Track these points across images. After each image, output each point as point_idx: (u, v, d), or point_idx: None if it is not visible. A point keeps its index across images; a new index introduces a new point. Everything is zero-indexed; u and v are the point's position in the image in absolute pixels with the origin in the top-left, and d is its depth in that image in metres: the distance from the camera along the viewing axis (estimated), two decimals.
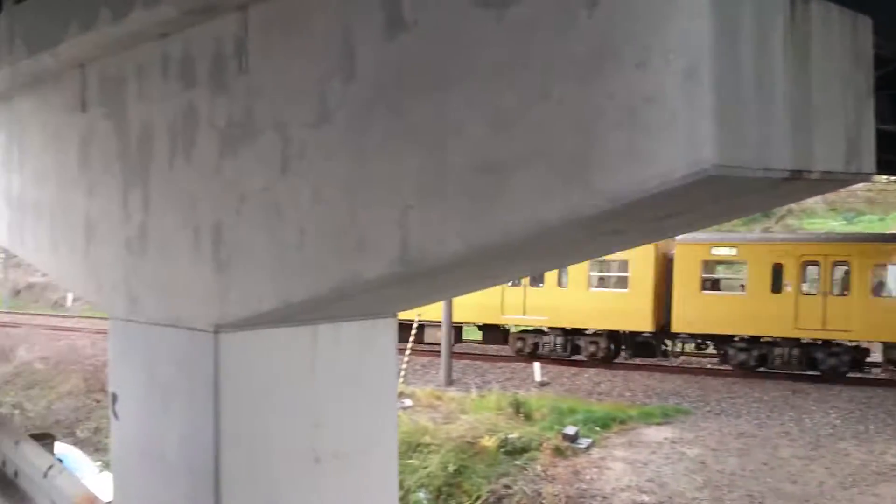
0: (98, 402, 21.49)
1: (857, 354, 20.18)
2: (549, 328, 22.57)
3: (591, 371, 21.73)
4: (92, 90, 6.48)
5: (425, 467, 15.85)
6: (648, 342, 22.36)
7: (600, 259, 20.87)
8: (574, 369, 21.93)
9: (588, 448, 16.28)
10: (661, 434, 16.90)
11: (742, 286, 21.31)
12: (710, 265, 21.83)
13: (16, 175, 7.71)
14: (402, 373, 20.39)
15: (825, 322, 19.21)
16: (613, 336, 22.34)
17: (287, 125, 4.77)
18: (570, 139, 3.45)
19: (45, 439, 4.40)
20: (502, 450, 16.11)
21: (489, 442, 16.17)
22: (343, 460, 5.98)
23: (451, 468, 15.75)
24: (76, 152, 6.72)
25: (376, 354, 6.22)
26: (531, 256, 4.74)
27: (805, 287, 20.08)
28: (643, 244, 4.93)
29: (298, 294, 4.89)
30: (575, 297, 21.83)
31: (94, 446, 19.27)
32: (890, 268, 19.52)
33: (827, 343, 19.74)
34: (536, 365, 21.44)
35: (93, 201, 6.59)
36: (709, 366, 22.27)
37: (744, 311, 20.19)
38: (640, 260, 20.82)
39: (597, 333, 22.16)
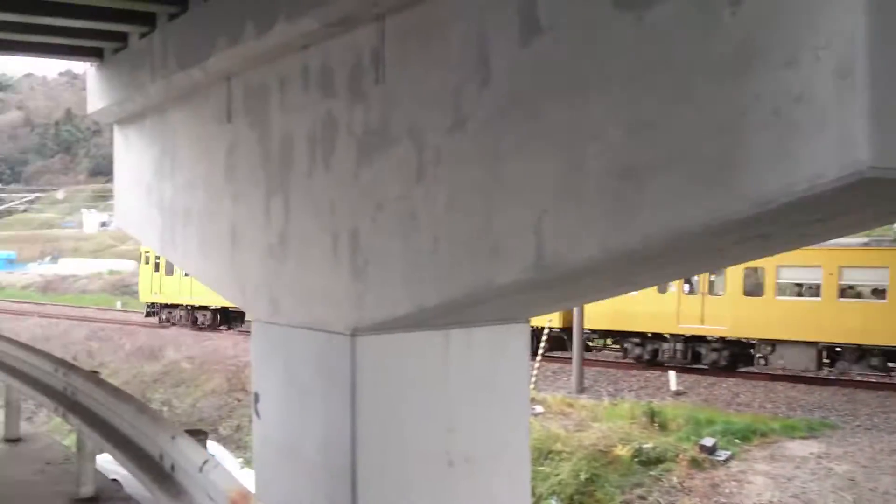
0: (239, 400, 22.47)
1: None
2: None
3: (730, 381, 21.00)
4: (237, 101, 6.81)
5: (557, 474, 15.72)
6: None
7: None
8: (711, 378, 21.24)
9: (727, 461, 15.72)
10: (806, 448, 16.10)
11: None
12: None
13: (168, 183, 8.19)
14: (533, 379, 20.34)
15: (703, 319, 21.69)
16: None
17: (422, 132, 4.86)
18: (712, 142, 3.36)
19: (198, 435, 4.64)
20: (636, 459, 15.77)
21: (623, 451, 15.87)
22: (475, 465, 6.02)
23: (583, 476, 15.54)
24: (222, 161, 7.07)
25: (508, 359, 6.24)
26: (670, 262, 4.63)
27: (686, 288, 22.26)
28: (789, 250, 4.73)
29: (432, 299, 4.97)
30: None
31: (236, 443, 20.14)
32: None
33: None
34: (671, 374, 20.91)
35: (237, 208, 6.93)
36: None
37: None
38: None
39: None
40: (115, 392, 5.66)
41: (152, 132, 8.50)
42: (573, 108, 3.91)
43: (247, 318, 26.72)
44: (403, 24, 4.93)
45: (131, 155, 9.18)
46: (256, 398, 6.83)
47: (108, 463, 6.89)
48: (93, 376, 6.29)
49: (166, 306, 32.64)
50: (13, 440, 8.10)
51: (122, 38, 8.23)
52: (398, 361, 5.67)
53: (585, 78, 3.84)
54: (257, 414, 6.83)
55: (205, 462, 3.87)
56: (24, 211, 64.06)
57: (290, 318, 6.29)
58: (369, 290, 5.40)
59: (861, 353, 20.25)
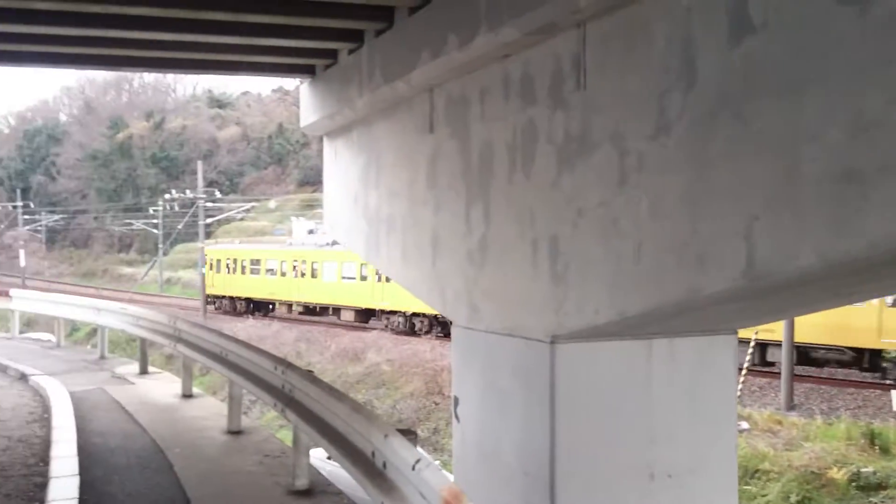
0: (436, 404, 23.07)
1: None
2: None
3: None
4: (439, 112, 7.03)
5: (764, 495, 14.93)
6: None
7: None
8: None
9: None
10: None
11: None
12: None
13: (373, 192, 8.59)
14: (738, 394, 19.43)
15: None
16: None
17: (624, 138, 4.81)
18: None
19: (408, 435, 4.83)
20: (854, 484, 14.67)
21: (838, 474, 14.81)
22: (678, 479, 5.86)
23: (793, 499, 14.66)
24: (424, 170, 7.33)
25: (713, 372, 6.03)
26: None
27: None
28: None
29: (634, 307, 4.90)
30: None
31: (433, 446, 20.69)
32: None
33: None
34: (894, 393, 19.29)
35: (438, 216, 7.15)
36: None
37: None
38: None
39: None
40: (330, 390, 5.99)
41: (359, 143, 8.95)
42: (787, 110, 3.73)
43: (261, 308, 39.08)
44: (605, 29, 4.91)
45: (339, 165, 9.71)
46: (456, 402, 7.00)
47: (316, 460, 7.32)
48: (309, 375, 6.70)
49: (217, 297, 44.57)
50: (235, 432, 8.75)
51: (332, 55, 8.73)
52: (599, 370, 5.63)
53: (802, 77, 3.65)
54: (457, 417, 7.01)
55: (417, 461, 4.02)
56: (241, 219, 69.19)
57: (488, 323, 6.41)
58: (569, 297, 5.40)
59: None
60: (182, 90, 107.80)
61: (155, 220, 68.22)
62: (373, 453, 4.78)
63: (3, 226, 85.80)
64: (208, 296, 45.17)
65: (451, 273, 6.98)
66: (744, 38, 3.95)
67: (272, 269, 41.78)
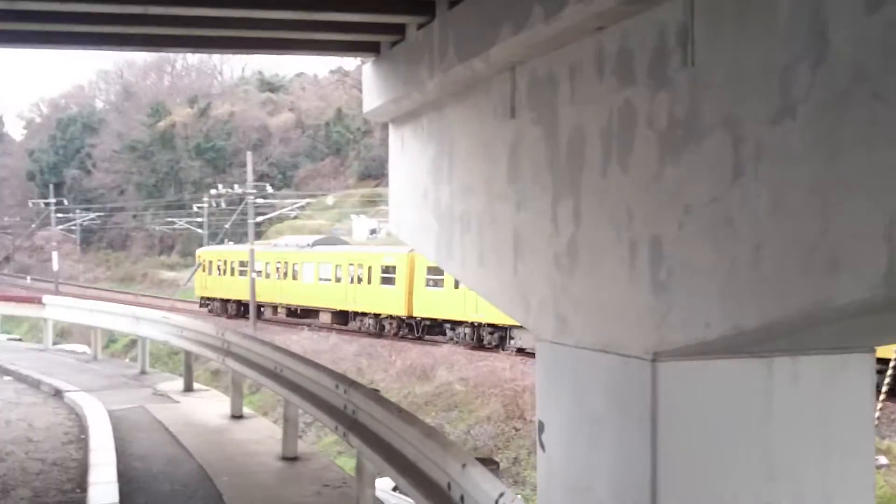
0: (517, 430, 23.06)
1: None
2: None
3: None
4: (521, 94, 7.02)
5: None
6: None
7: None
8: None
9: None
10: None
11: None
12: None
13: (444, 187, 8.62)
14: (875, 423, 18.90)
15: None
16: None
17: (739, 122, 4.72)
18: None
19: (489, 465, 4.85)
20: None
21: None
22: None
23: None
24: (505, 161, 7.32)
25: (846, 396, 5.87)
26: None
27: None
28: None
29: (752, 320, 4.80)
30: None
31: (513, 478, 20.69)
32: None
33: None
34: None
35: (521, 214, 7.13)
36: None
37: None
38: None
39: None
40: (399, 413, 6.05)
41: (429, 131, 9.00)
42: None
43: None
44: None
45: (406, 156, 9.78)
46: (541, 427, 6.98)
47: (381, 492, 7.36)
48: (374, 394, 6.77)
49: (209, 299, 51.15)
50: (290, 458, 8.90)
51: (399, 30, 8.80)
52: (709, 393, 5.54)
53: None
54: (541, 445, 6.98)
55: (501, 494, 4.03)
56: (295, 217, 70.22)
57: (578, 337, 6.36)
58: (673, 309, 5.33)
59: None
60: (229, 72, 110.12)
61: (199, 219, 69.72)
62: (448, 485, 4.81)
63: (34, 225, 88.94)
64: (201, 298, 52.38)
65: (535, 279, 6.96)
66: (883, 3, 3.84)
67: (258, 271, 46.63)
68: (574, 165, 6.28)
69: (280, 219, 67.47)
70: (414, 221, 9.61)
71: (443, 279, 35.21)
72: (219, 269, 50.89)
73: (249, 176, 52.90)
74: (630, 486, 5.72)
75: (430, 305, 36.58)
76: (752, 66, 4.61)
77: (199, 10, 7.99)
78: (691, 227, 5.13)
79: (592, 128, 6.04)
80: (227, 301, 49.39)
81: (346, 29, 8.83)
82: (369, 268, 40.36)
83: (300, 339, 37.11)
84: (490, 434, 23.71)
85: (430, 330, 37.17)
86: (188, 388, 13.48)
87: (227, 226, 61.87)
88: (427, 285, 36.97)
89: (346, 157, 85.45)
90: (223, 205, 62.40)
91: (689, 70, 5.06)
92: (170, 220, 76.32)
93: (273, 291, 45.77)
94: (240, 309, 47.75)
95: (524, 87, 6.97)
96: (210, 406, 12.34)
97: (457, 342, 34.10)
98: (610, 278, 5.94)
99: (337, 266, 41.81)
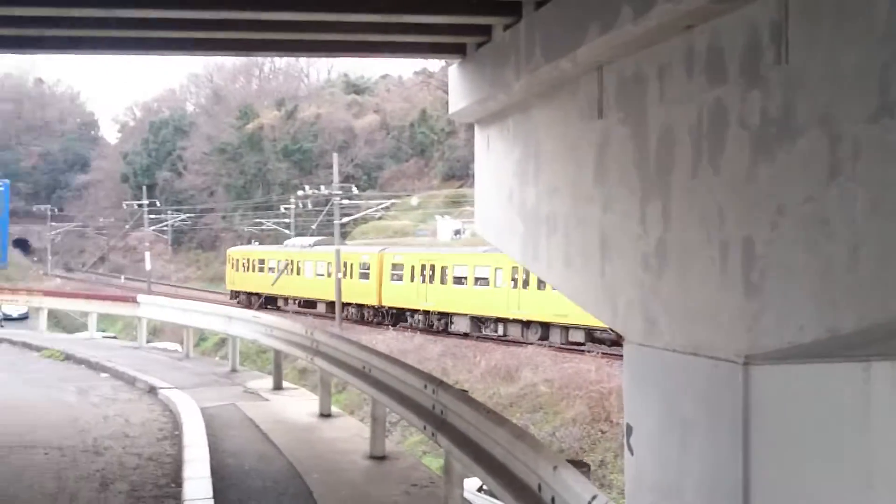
0: (603, 433, 22.88)
1: None
2: None
3: None
4: (609, 94, 6.98)
5: None
6: None
7: None
8: None
9: None
10: None
11: None
12: None
13: (531, 188, 8.62)
14: None
15: None
16: None
17: (836, 121, 4.63)
18: None
19: (581, 467, 4.85)
20: None
21: None
22: None
23: None
24: (591, 162, 7.29)
25: None
26: None
27: None
28: None
29: (849, 323, 4.70)
30: None
31: (599, 481, 20.54)
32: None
33: None
34: None
35: (608, 215, 7.09)
36: None
37: None
38: None
39: None
40: (489, 413, 6.07)
41: (514, 132, 9.01)
42: None
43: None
44: None
45: (492, 157, 9.81)
46: (629, 431, 6.92)
47: (468, 493, 7.40)
48: (463, 395, 6.81)
49: (237, 292, 57.47)
50: (378, 457, 9.00)
51: (485, 31, 8.83)
52: (803, 398, 5.43)
53: None
54: (629, 449, 6.92)
55: (593, 498, 4.02)
56: (380, 218, 70.92)
57: (667, 340, 6.30)
58: (766, 312, 5.24)
59: None
60: (315, 75, 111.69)
61: (286, 220, 70.88)
62: (539, 486, 4.81)
63: (128, 226, 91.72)
64: (231, 291, 58.86)
65: (622, 281, 6.92)
66: None
67: (273, 268, 54.17)
68: (663, 166, 6.23)
69: (365, 219, 68.17)
70: (499, 222, 9.63)
71: (402, 274, 42.83)
72: (244, 266, 58.20)
73: (335, 177, 53.67)
74: (721, 492, 5.64)
75: (394, 296, 43.45)
76: (850, 64, 4.51)
77: (287, 14, 8.15)
78: (785, 228, 5.04)
79: (682, 127, 5.98)
80: (251, 294, 55.96)
81: (432, 31, 8.90)
82: (351, 265, 46.78)
83: (385, 339, 37.45)
84: (576, 436, 23.56)
85: (396, 318, 43.42)
86: (277, 387, 13.73)
87: (313, 226, 62.87)
88: (392, 279, 43.89)
89: (430, 158, 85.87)
90: (310, 205, 63.46)
91: (783, 68, 4.97)
92: (258, 220, 77.83)
93: (283, 286, 52.79)
94: (250, 300, 54.29)
95: (612, 88, 6.93)
96: (299, 404, 12.56)
97: (455, 334, 38.16)
98: (700, 280, 5.87)
99: (329, 263, 48.38)
